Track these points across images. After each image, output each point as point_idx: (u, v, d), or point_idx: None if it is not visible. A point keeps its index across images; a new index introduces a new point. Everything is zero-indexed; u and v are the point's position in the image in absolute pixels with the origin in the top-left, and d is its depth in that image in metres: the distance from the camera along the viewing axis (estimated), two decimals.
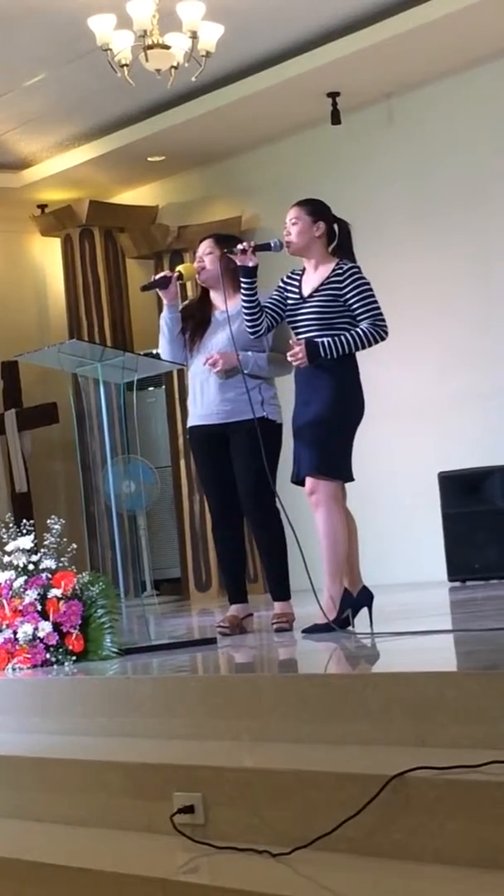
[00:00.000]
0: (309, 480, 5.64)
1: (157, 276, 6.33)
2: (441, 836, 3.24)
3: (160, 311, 6.35)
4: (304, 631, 5.63)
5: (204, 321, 6.25)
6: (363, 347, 5.64)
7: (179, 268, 6.34)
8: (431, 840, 3.26)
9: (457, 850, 3.21)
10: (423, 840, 3.27)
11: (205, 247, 6.23)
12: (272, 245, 5.80)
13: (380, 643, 5.16)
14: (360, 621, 5.59)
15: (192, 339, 6.25)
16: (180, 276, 6.25)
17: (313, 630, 5.56)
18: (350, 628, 5.53)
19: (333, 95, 9.07)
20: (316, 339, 5.62)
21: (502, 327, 8.73)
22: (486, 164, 8.80)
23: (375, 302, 5.66)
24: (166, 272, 6.34)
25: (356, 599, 5.62)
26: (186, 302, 6.47)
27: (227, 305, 6.03)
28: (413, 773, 3.31)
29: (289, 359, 5.69)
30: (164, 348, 6.33)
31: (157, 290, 6.27)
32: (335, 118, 9.13)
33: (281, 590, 6.15)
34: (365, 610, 5.64)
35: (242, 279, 5.77)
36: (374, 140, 9.42)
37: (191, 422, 6.33)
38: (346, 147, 9.48)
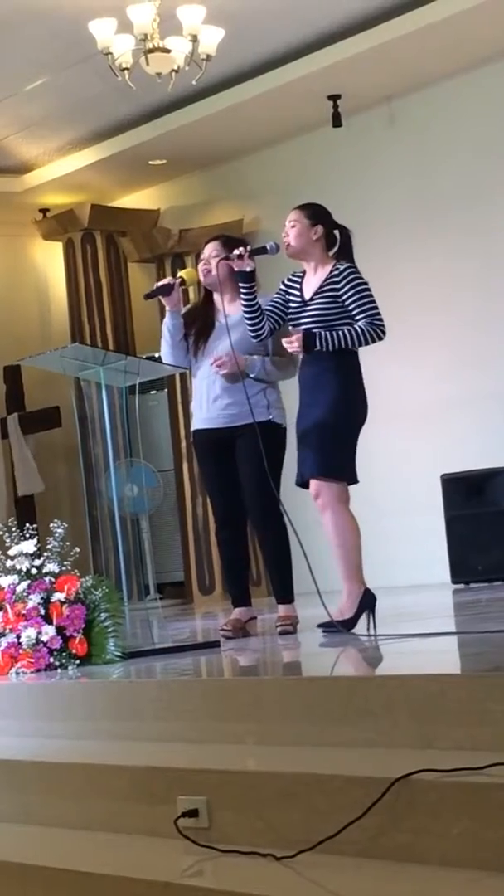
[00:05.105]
0: (313, 484, 5.64)
1: (160, 284, 6.29)
2: (446, 839, 3.24)
3: (162, 314, 6.34)
4: (319, 625, 5.60)
5: (208, 325, 6.23)
6: (360, 344, 5.64)
7: (181, 273, 6.33)
8: (436, 842, 3.25)
9: (461, 853, 3.20)
10: (428, 843, 3.27)
11: (212, 249, 6.20)
12: (268, 248, 5.80)
13: (383, 645, 5.16)
14: (363, 624, 5.58)
15: (197, 343, 6.24)
16: (182, 282, 6.23)
17: (328, 626, 5.53)
18: (353, 630, 5.52)
19: (334, 98, 9.07)
20: (314, 330, 5.62)
21: None
22: (488, 166, 8.80)
23: (373, 301, 5.65)
24: (168, 279, 6.30)
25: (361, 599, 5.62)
26: (189, 306, 6.46)
27: (226, 311, 6.03)
28: (417, 776, 3.31)
29: (284, 345, 5.70)
30: (165, 353, 6.31)
31: (160, 297, 6.25)
32: (336, 121, 9.13)
33: (285, 592, 6.15)
34: (368, 612, 5.64)
35: (241, 284, 5.77)
36: (375, 142, 9.42)
37: (195, 425, 6.32)
38: (347, 150, 9.49)
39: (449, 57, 8.59)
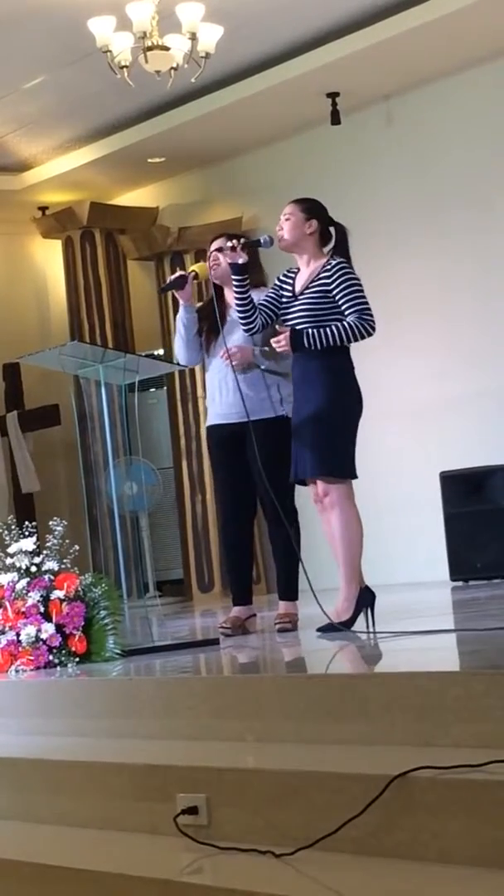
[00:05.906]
0: (320, 484, 5.62)
1: (174, 277, 6.29)
2: (444, 836, 3.25)
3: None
4: (318, 629, 5.61)
5: (218, 321, 6.22)
6: (349, 341, 5.60)
7: (194, 267, 6.32)
8: (434, 840, 3.26)
9: (460, 850, 3.21)
10: (426, 840, 3.27)
11: (219, 244, 6.21)
12: (262, 241, 5.79)
13: (382, 643, 5.17)
14: (361, 621, 5.59)
15: (208, 338, 6.24)
16: (196, 276, 6.22)
17: (327, 629, 5.54)
18: (353, 628, 5.53)
19: (333, 96, 9.07)
20: (300, 329, 5.61)
21: (503, 326, 8.73)
22: (485, 164, 8.80)
23: (363, 296, 5.63)
24: (182, 272, 6.30)
25: (358, 599, 5.62)
26: (201, 303, 6.46)
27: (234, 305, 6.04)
28: (416, 773, 3.32)
29: (272, 345, 5.69)
30: (179, 350, 6.31)
31: (174, 290, 6.26)
32: (335, 119, 9.13)
33: (289, 589, 6.14)
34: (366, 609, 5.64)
35: (233, 276, 5.76)
36: (373, 140, 9.42)
37: (209, 421, 6.33)
38: (346, 147, 9.49)
39: (447, 55, 8.59)
